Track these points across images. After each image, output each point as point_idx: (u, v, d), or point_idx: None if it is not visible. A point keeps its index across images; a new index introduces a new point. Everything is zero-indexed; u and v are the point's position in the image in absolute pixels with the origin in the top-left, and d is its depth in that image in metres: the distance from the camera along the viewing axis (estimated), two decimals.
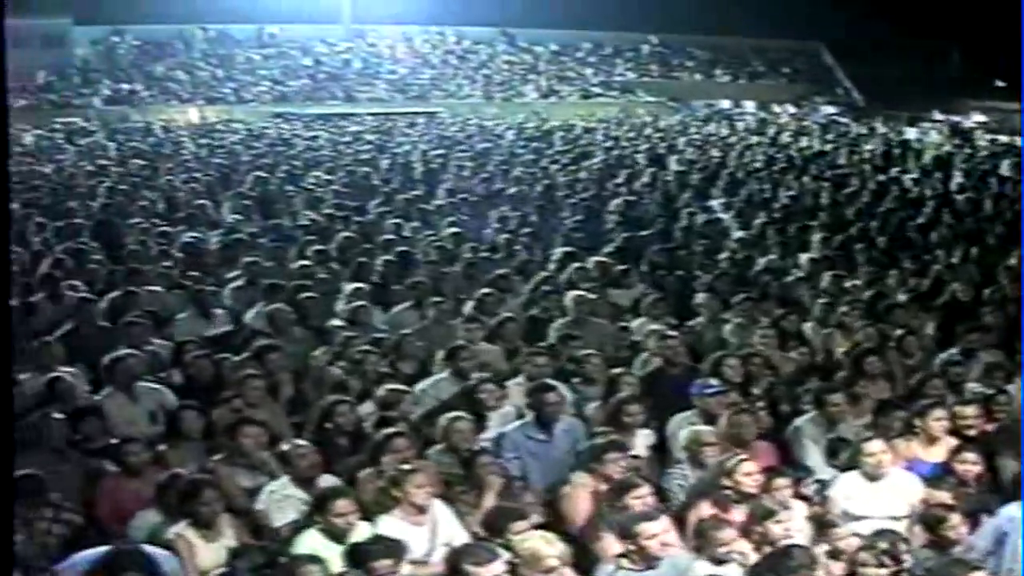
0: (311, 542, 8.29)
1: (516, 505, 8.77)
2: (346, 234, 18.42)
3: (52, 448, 9.81)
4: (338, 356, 12.23)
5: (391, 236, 18.53)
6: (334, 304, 14.31)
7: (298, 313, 13.61)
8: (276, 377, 11.51)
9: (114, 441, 9.99)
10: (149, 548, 8.03)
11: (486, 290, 14.39)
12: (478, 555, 7.48)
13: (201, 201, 22.51)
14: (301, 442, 9.45)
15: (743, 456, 9.24)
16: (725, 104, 57.96)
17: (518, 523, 8.19)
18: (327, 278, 15.37)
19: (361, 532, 8.36)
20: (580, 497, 9.13)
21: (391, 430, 9.61)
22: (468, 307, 14.04)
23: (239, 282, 15.40)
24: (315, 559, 7.75)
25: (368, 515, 8.61)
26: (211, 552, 8.33)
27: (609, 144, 36.26)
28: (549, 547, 7.63)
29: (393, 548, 7.80)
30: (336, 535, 8.27)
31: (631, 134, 40.83)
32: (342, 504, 8.38)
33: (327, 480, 9.11)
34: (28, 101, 54.35)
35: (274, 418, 10.63)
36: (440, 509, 8.77)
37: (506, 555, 7.58)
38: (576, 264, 15.93)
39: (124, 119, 47.89)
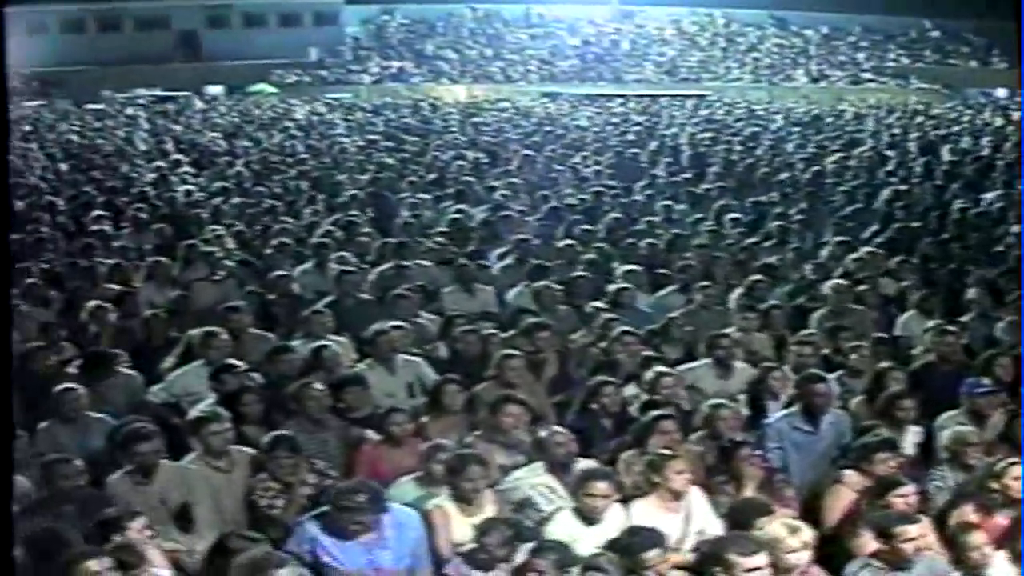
0: (564, 523, 8.29)
1: (763, 499, 8.60)
2: (614, 215, 18.39)
3: (313, 416, 10.02)
4: (601, 337, 12.18)
5: (657, 218, 18.44)
6: (600, 284, 14.27)
7: (564, 292, 13.63)
8: (542, 355, 11.53)
9: (379, 410, 10.16)
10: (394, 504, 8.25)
11: (756, 277, 14.20)
12: (743, 545, 7.35)
13: (468, 178, 22.78)
14: (559, 428, 9.42)
15: (1014, 460, 8.92)
16: (1001, 93, 56.14)
17: (763, 518, 8.02)
18: (593, 258, 15.35)
19: (615, 516, 8.31)
20: (843, 493, 8.91)
21: (657, 413, 9.55)
22: (736, 294, 13.88)
23: (509, 259, 15.51)
24: (561, 546, 7.73)
25: (624, 499, 8.57)
26: (466, 527, 8.37)
27: (880, 131, 35.49)
28: (792, 535, 7.49)
29: (656, 538, 7.71)
30: (589, 517, 8.24)
31: (903, 121, 39.89)
32: (601, 486, 8.33)
33: (585, 464, 9.05)
34: (300, 77, 55.81)
35: (535, 397, 10.61)
36: (696, 497, 8.66)
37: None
38: (852, 254, 15.59)
39: (393, 96, 48.72)
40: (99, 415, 10.38)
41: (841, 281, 13.86)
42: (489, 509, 8.50)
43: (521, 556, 7.81)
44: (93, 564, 7.15)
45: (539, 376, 11.34)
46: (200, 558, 8.19)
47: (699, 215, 19.10)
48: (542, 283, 13.70)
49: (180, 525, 8.98)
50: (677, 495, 8.52)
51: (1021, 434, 9.65)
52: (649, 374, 10.72)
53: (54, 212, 20.49)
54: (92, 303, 13.27)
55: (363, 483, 8.31)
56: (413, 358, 11.62)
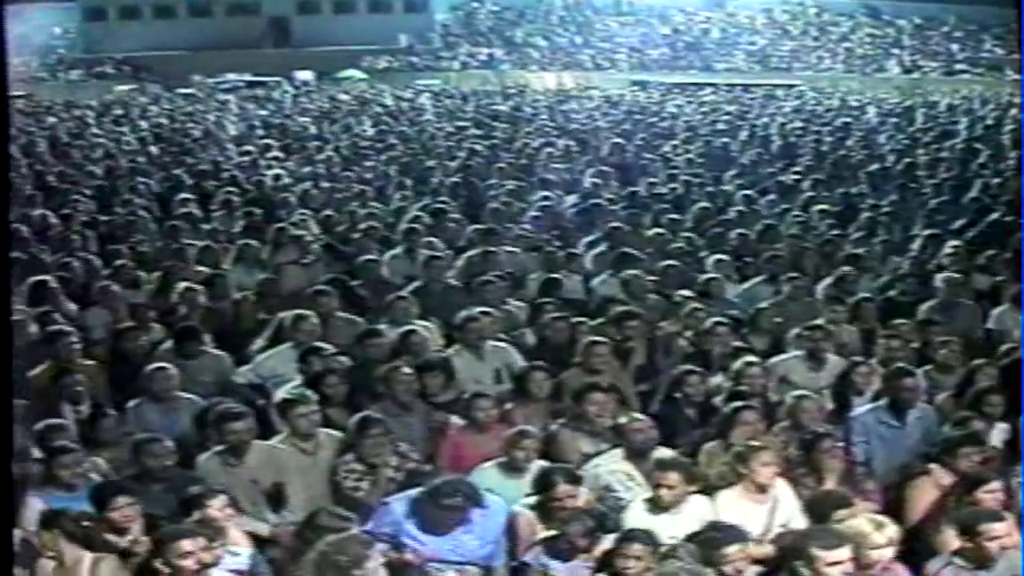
0: (637, 512, 8.30)
1: (843, 491, 8.52)
2: (702, 205, 18.32)
3: (400, 399, 10.07)
4: (688, 327, 12.13)
5: (746, 208, 18.34)
6: (688, 274, 14.21)
7: (652, 281, 13.59)
8: (630, 344, 11.51)
9: (464, 395, 10.19)
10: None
11: (844, 269, 14.07)
12: (826, 539, 7.29)
13: (557, 166, 22.76)
14: (638, 415, 9.41)
15: None
16: None
17: (841, 511, 7.97)
18: (682, 247, 15.30)
19: (695, 507, 8.29)
20: (927, 488, 8.81)
21: (739, 404, 9.51)
22: (823, 285, 13.77)
23: (601, 247, 15.49)
24: (646, 535, 7.69)
25: (707, 490, 8.55)
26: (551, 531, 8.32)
27: (973, 123, 35.03)
28: (877, 531, 7.41)
29: (738, 534, 7.67)
30: (663, 507, 8.24)
31: (996, 113, 39.34)
32: (672, 476, 8.32)
33: (661, 453, 9.04)
34: (389, 63, 56.01)
35: (621, 385, 10.60)
36: (783, 489, 8.61)
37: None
38: (946, 247, 15.40)
39: (482, 83, 48.79)
40: (188, 395, 10.49)
41: (954, 274, 13.68)
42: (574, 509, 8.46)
43: (607, 544, 7.80)
44: (187, 544, 7.23)
45: (626, 364, 11.33)
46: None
47: (788, 205, 18.96)
48: (631, 272, 13.66)
49: (273, 505, 9.07)
50: (763, 487, 8.49)
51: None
52: (736, 364, 10.67)
53: (145, 195, 20.70)
54: (182, 285, 13.40)
55: (463, 482, 8.34)
56: (501, 344, 11.63)
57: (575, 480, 8.54)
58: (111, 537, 7.83)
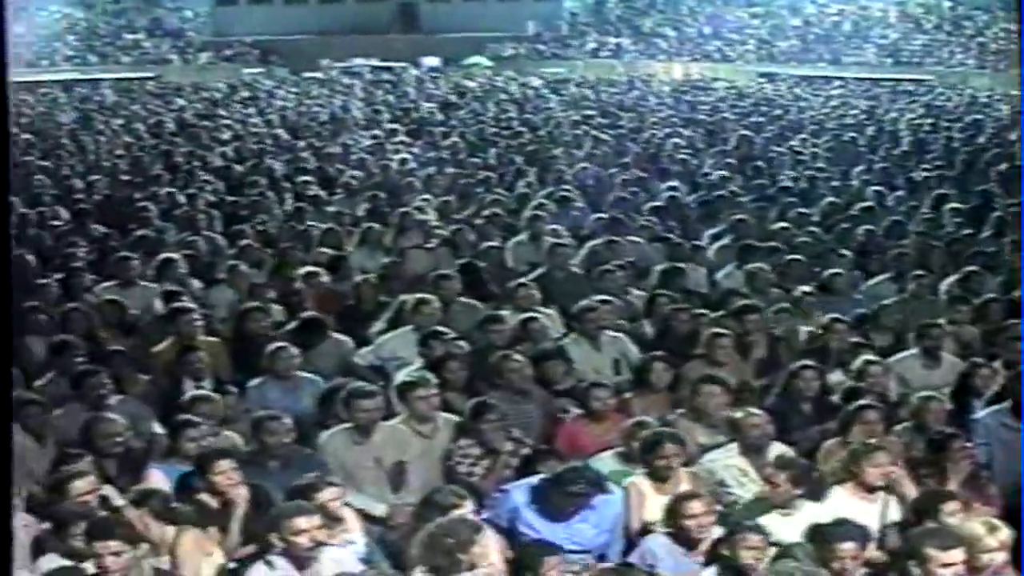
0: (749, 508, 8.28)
1: (950, 489, 8.38)
2: (830, 199, 18.11)
3: (516, 386, 10.08)
4: (810, 322, 12.03)
5: (874, 204, 18.09)
6: (813, 269, 14.05)
7: (777, 275, 13.47)
8: (750, 338, 11.42)
9: (582, 384, 10.17)
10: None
11: (971, 267, 13.82)
12: (941, 539, 7.18)
13: (683, 157, 22.66)
14: (755, 410, 9.33)
15: None
16: None
17: (949, 504, 7.88)
18: (808, 242, 15.13)
19: (806, 510, 8.20)
20: None
21: (861, 403, 9.39)
22: (947, 284, 13.56)
23: (725, 240, 15.38)
24: (761, 528, 7.65)
25: (818, 488, 8.46)
26: (660, 504, 8.34)
27: None
28: (990, 534, 7.30)
29: (857, 532, 7.57)
30: (773, 506, 8.19)
31: None
32: (781, 477, 8.26)
33: (777, 449, 8.99)
34: (516, 51, 56.07)
35: (741, 378, 10.54)
36: (896, 489, 8.49)
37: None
38: None
39: (609, 72, 48.68)
40: (309, 375, 10.58)
41: None
42: (684, 488, 8.46)
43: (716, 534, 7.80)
44: (302, 521, 7.29)
45: (746, 358, 11.24)
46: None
47: (916, 203, 18.68)
48: (755, 265, 13.56)
49: (393, 485, 9.12)
50: (874, 487, 8.39)
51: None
52: (857, 362, 10.57)
53: (272, 176, 20.90)
54: (305, 266, 13.51)
55: (587, 468, 8.38)
56: (618, 334, 11.62)
57: (680, 441, 8.64)
58: (214, 505, 7.93)
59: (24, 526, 7.84)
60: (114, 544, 6.86)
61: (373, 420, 9.23)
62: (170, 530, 7.65)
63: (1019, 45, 30.15)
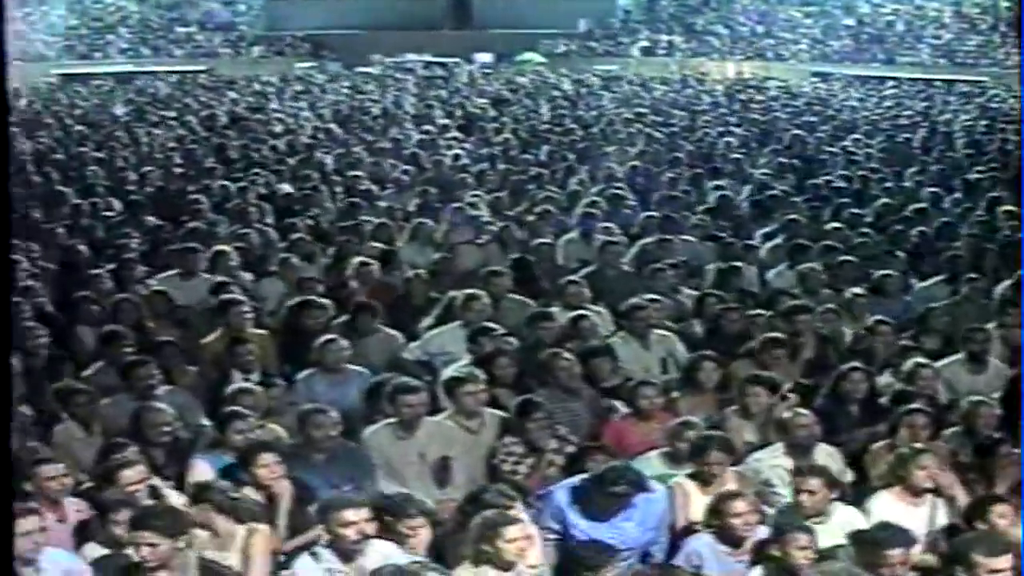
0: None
1: (995, 493, 8.32)
2: (883, 200, 17.98)
3: (563, 384, 10.07)
4: (858, 324, 11.96)
5: (927, 206, 17.94)
6: (865, 270, 13.95)
7: (828, 276, 13.38)
8: (800, 339, 11.35)
9: (630, 382, 10.15)
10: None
11: None
12: (990, 545, 7.11)
13: (736, 156, 22.57)
14: (802, 410, 9.29)
15: None
16: None
17: (999, 507, 7.82)
18: (861, 243, 15.02)
19: (841, 514, 8.16)
20: None
21: (910, 406, 9.33)
22: (1001, 288, 13.42)
23: (777, 239, 15.29)
24: (809, 529, 7.61)
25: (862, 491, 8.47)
26: (706, 502, 8.30)
27: None
28: None
29: (905, 538, 7.50)
30: (806, 514, 8.10)
31: None
32: (813, 483, 8.18)
33: (823, 450, 8.98)
34: (568, 47, 56.01)
35: (790, 379, 10.48)
36: (944, 494, 8.46)
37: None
38: None
39: (661, 70, 48.56)
40: (358, 368, 10.59)
41: None
42: (729, 488, 8.43)
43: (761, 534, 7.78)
44: (350, 514, 7.28)
45: (794, 358, 11.16)
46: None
47: (969, 204, 18.52)
48: (807, 266, 13.48)
49: (438, 480, 9.12)
50: (920, 491, 8.35)
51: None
52: (907, 364, 10.50)
53: (323, 171, 20.93)
54: (357, 259, 13.52)
55: (627, 467, 8.35)
56: (667, 333, 11.61)
57: (727, 448, 8.62)
58: (259, 499, 7.93)
59: (76, 511, 7.90)
60: (151, 535, 6.85)
61: (417, 415, 9.25)
62: (239, 529, 7.61)
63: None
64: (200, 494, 7.82)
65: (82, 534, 7.77)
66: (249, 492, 8.01)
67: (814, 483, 8.15)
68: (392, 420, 9.28)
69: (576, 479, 8.38)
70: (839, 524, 8.04)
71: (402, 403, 9.22)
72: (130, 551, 6.95)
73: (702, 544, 7.94)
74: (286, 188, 19.21)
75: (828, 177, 20.61)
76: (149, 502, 7.71)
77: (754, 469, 8.90)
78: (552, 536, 8.09)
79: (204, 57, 54.00)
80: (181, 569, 6.94)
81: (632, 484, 8.10)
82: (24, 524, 7.13)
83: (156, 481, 8.17)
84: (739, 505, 7.89)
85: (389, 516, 7.70)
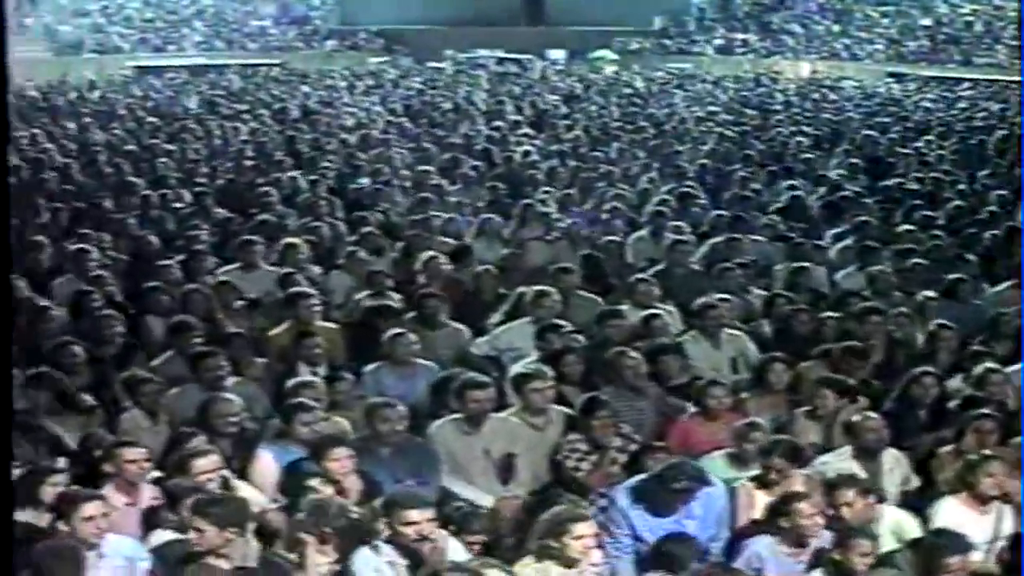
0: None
1: None
2: (956, 203, 17.80)
3: (630, 383, 10.05)
4: (924, 327, 11.85)
5: (999, 210, 17.74)
6: (937, 273, 13.80)
7: (899, 278, 13.26)
8: (871, 342, 11.25)
9: (698, 382, 10.10)
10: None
11: None
12: None
13: (807, 156, 22.42)
14: (871, 414, 9.24)
15: None
16: None
17: None
18: (934, 246, 14.86)
19: (888, 518, 8.15)
20: None
21: (978, 412, 9.26)
22: None
23: (847, 240, 15.16)
24: (870, 533, 7.61)
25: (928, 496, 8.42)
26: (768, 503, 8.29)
27: None
28: None
29: (963, 545, 7.46)
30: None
31: None
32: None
33: (890, 454, 8.96)
34: (641, 45, 55.86)
35: (857, 382, 10.35)
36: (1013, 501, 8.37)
37: None
38: None
39: (734, 68, 48.35)
40: (427, 363, 10.60)
41: None
42: (795, 489, 8.37)
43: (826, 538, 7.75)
44: (414, 514, 7.30)
45: (865, 361, 11.06)
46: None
47: None
48: (877, 268, 13.36)
49: (501, 477, 9.12)
50: (988, 498, 8.28)
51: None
52: (977, 369, 10.38)
53: (393, 165, 20.96)
54: (426, 254, 13.52)
55: (687, 464, 8.33)
56: (738, 333, 11.57)
57: (794, 455, 8.59)
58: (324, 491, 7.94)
59: (152, 497, 7.96)
60: (211, 522, 6.89)
61: (483, 411, 9.26)
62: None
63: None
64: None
65: (151, 520, 7.83)
66: (317, 484, 8.03)
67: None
68: (458, 415, 9.30)
69: (636, 479, 8.39)
70: (888, 527, 8.05)
71: (469, 399, 9.26)
72: (191, 536, 6.99)
73: (763, 546, 7.92)
74: (359, 182, 19.25)
75: (900, 179, 20.44)
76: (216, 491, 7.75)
77: (820, 472, 8.82)
78: (622, 534, 8.11)
79: (277, 51, 54.22)
80: (241, 559, 6.97)
81: (693, 479, 8.11)
82: (88, 508, 7.21)
83: (227, 472, 8.20)
84: (804, 507, 7.85)
85: (453, 525, 7.75)
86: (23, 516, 7.69)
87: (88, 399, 9.71)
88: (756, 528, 8.20)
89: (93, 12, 55.67)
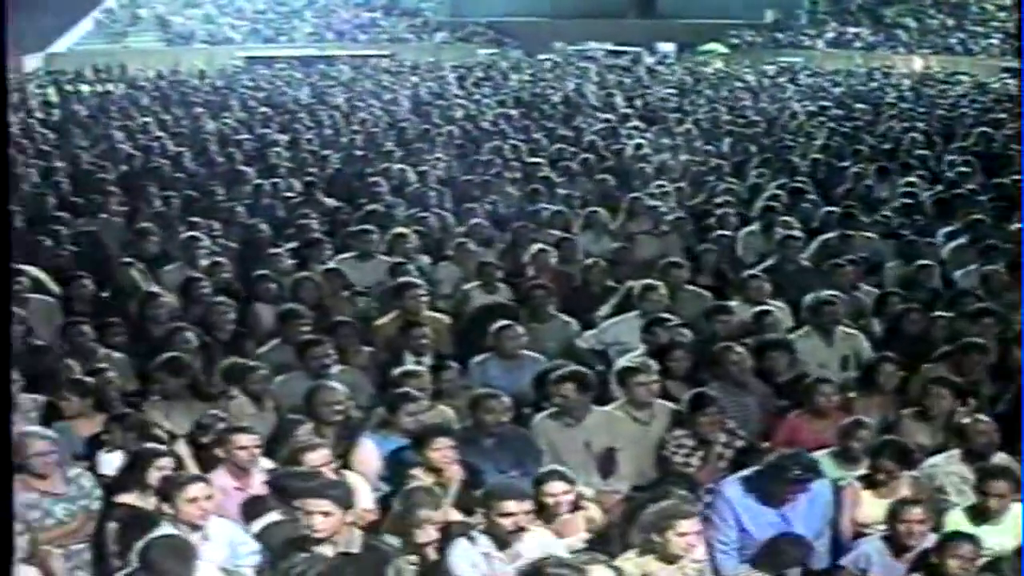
0: (956, 518, 8.10)
1: None
2: None
3: (736, 378, 10.00)
4: None
5: None
6: None
7: (1012, 277, 13.03)
8: (984, 342, 11.07)
9: (808, 379, 9.99)
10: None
11: None
12: None
13: (920, 152, 22.14)
14: (983, 416, 9.09)
15: None
16: None
17: None
18: None
19: (1014, 518, 7.98)
20: None
21: None
22: None
23: (961, 239, 14.94)
24: (974, 539, 7.48)
25: None
26: (878, 508, 8.22)
27: None
28: None
29: None
30: (986, 517, 8.00)
31: None
32: (999, 486, 8.03)
33: (1000, 459, 8.74)
34: (753, 38, 55.53)
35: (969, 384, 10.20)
36: None
37: None
38: None
39: (846, 63, 47.92)
40: (534, 354, 10.59)
41: None
42: (903, 493, 8.32)
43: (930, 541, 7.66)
44: (511, 504, 7.29)
45: (984, 360, 10.88)
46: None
47: None
48: (991, 267, 13.13)
49: (602, 470, 9.10)
50: None
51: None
52: None
53: (502, 156, 20.96)
54: (535, 247, 13.52)
55: (800, 454, 8.29)
56: (853, 331, 11.45)
57: (902, 456, 8.50)
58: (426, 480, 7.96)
59: (263, 483, 8.02)
60: (326, 504, 6.93)
61: (579, 403, 9.20)
62: None
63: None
64: None
65: (259, 505, 7.89)
66: (419, 473, 8.05)
67: (1002, 486, 8.00)
68: (559, 408, 9.28)
69: (749, 470, 8.36)
70: (1011, 524, 7.93)
71: (559, 391, 9.24)
72: (301, 518, 7.03)
73: (872, 548, 7.89)
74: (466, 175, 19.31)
75: (1015, 176, 20.10)
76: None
77: (929, 475, 8.74)
78: (727, 527, 8.09)
79: (388, 42, 54.54)
80: (345, 544, 7.00)
81: (807, 469, 8.08)
82: (192, 490, 7.29)
83: (335, 464, 8.25)
84: (916, 512, 7.80)
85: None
86: (127, 498, 7.81)
87: (212, 385, 9.85)
88: (864, 532, 8.18)
89: (205, 3, 56.39)
